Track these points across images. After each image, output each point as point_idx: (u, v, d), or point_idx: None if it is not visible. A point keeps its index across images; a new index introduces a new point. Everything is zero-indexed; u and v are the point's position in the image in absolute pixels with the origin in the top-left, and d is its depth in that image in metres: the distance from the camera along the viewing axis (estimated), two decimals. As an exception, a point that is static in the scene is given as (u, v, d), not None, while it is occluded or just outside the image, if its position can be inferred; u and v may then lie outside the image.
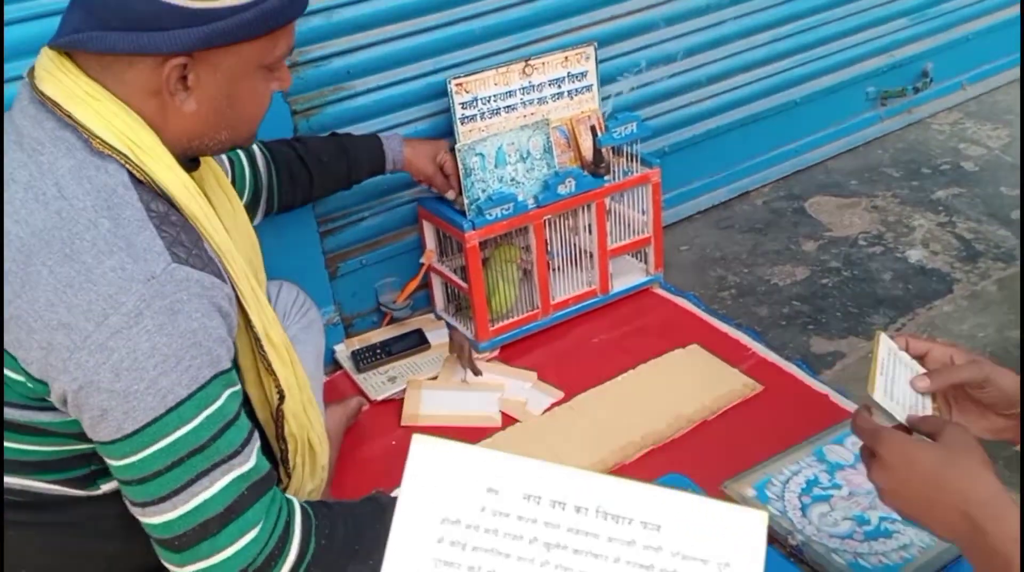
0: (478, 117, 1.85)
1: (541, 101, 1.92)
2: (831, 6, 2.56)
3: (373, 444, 1.72)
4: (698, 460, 1.59)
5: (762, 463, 1.56)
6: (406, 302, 2.02)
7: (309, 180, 1.59)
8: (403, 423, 1.75)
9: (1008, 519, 0.75)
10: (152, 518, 0.93)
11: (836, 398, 1.74)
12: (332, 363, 1.96)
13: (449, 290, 2.02)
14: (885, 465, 0.84)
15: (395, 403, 1.82)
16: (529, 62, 1.87)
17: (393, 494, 1.45)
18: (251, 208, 1.50)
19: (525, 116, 1.90)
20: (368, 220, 1.95)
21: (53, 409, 0.94)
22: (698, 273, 2.27)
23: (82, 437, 0.96)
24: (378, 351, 1.90)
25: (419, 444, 0.57)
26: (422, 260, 1.97)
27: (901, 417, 1.00)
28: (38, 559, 1.08)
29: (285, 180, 1.54)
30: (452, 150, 1.78)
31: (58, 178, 0.91)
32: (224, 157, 1.42)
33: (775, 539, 1.42)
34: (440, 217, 1.89)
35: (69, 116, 0.93)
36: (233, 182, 1.43)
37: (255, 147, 1.52)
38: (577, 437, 1.67)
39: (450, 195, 1.82)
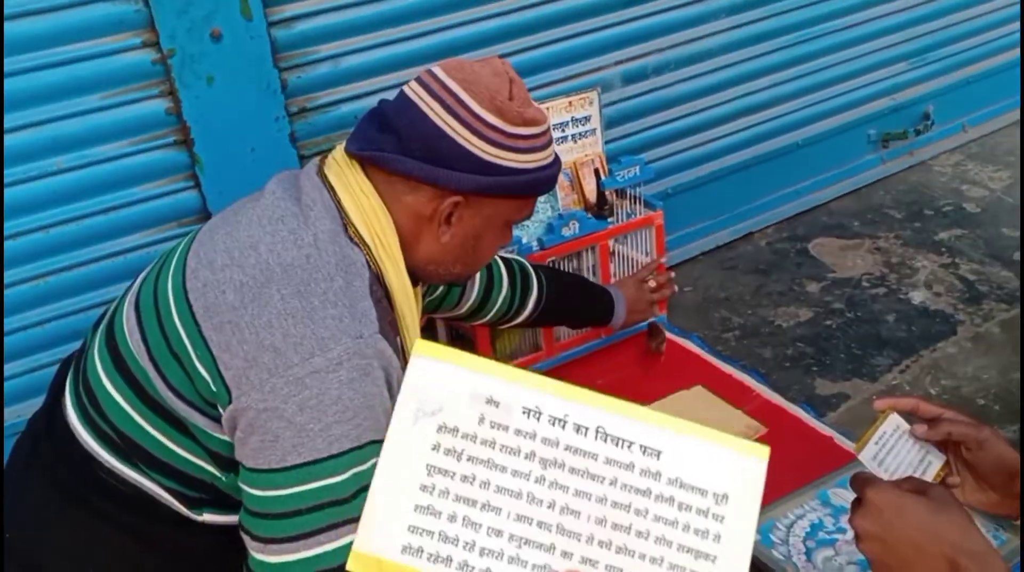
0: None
1: (545, 145, 1.94)
2: (832, 50, 2.60)
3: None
4: (702, 503, 1.58)
5: (766, 507, 1.55)
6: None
7: (553, 317, 1.73)
8: None
9: (995, 568, 0.77)
10: (270, 557, 0.96)
11: (840, 440, 1.73)
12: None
13: (453, 332, 2.03)
14: (873, 510, 0.85)
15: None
16: (534, 107, 1.90)
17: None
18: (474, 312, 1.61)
19: (530, 159, 1.92)
20: (374, 261, 1.97)
21: (214, 418, 1.01)
22: (702, 314, 2.28)
23: (215, 458, 1.03)
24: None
25: (422, 347, 0.57)
26: (427, 301, 1.99)
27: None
28: (102, 557, 1.10)
29: (542, 316, 1.67)
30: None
31: (317, 233, 1.04)
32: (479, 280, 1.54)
33: (780, 584, 1.41)
34: (445, 259, 1.90)
35: (339, 201, 1.07)
36: (486, 299, 1.56)
37: (534, 286, 1.64)
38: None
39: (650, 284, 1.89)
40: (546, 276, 1.67)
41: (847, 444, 1.72)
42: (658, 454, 0.53)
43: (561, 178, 1.97)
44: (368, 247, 1.06)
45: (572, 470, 0.52)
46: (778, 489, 1.60)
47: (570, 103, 1.95)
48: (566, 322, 1.79)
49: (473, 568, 0.49)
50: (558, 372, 2.00)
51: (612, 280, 2.01)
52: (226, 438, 1.01)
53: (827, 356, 2.07)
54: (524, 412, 0.54)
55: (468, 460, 0.53)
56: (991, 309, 2.19)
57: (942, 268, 2.39)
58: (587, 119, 1.98)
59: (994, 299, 2.23)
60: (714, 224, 2.55)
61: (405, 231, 1.09)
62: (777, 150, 2.57)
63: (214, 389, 0.99)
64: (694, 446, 0.53)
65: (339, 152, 1.12)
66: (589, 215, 1.96)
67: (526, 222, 1.88)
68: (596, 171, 2.00)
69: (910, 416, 1.12)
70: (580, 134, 1.98)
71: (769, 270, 2.45)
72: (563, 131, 1.96)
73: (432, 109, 1.05)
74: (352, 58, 1.78)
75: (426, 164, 1.05)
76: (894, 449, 1.10)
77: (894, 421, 1.11)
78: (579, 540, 0.49)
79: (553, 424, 0.53)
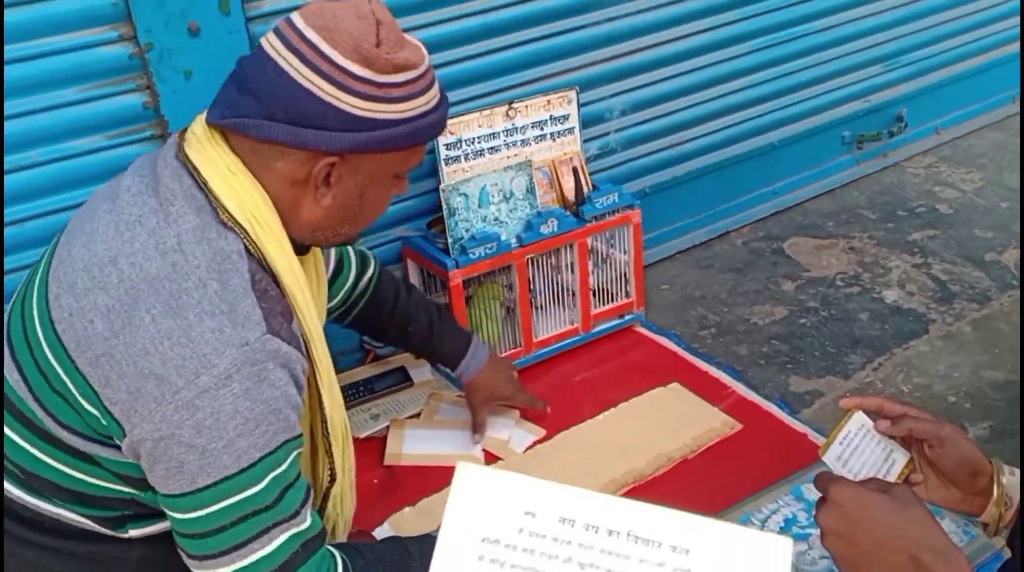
0: (462, 158, 1.88)
1: (524, 143, 1.95)
2: (807, 52, 2.62)
3: (356, 481, 1.71)
4: (678, 498, 1.59)
5: (741, 501, 1.57)
6: (389, 339, 2.03)
7: (382, 333, 1.65)
8: (386, 462, 1.75)
9: (958, 565, 0.78)
10: (207, 571, 0.95)
11: (814, 437, 1.76)
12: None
13: (432, 328, 2.04)
14: (837, 507, 0.86)
15: (378, 441, 1.82)
16: (512, 105, 1.91)
17: (376, 531, 1.46)
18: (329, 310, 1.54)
19: (508, 158, 1.93)
20: (352, 258, 1.96)
21: (116, 447, 0.96)
22: (679, 312, 2.30)
23: (128, 480, 0.99)
24: (361, 389, 1.91)
25: (463, 470, 0.60)
26: (406, 298, 1.99)
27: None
28: None
29: (364, 312, 1.59)
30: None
31: (181, 232, 0.95)
32: (334, 258, 1.48)
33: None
34: (424, 255, 1.91)
35: (205, 184, 0.98)
36: (332, 281, 1.48)
37: (371, 268, 1.57)
38: (559, 474, 1.68)
39: (476, 439, 1.75)
40: (400, 299, 1.62)
41: (821, 440, 1.73)
42: (687, 551, 0.55)
43: (539, 176, 1.98)
44: (245, 231, 0.98)
45: None
46: (753, 485, 1.62)
47: (548, 102, 1.96)
48: (409, 350, 1.72)
49: None
50: (538, 368, 2.01)
51: (590, 278, 2.03)
52: (135, 462, 0.97)
53: (802, 354, 2.10)
54: (560, 520, 0.58)
55: (512, 567, 0.56)
56: (962, 308, 2.22)
57: (915, 268, 2.43)
58: (566, 118, 1.99)
59: (965, 298, 2.27)
60: (691, 223, 2.57)
61: (282, 201, 1.01)
62: (753, 150, 2.60)
63: (104, 424, 0.95)
64: (720, 542, 0.56)
65: (199, 125, 1.02)
66: (568, 213, 1.97)
67: (505, 219, 1.89)
68: (575, 169, 2.01)
69: (874, 415, 1.13)
70: (558, 132, 1.99)
71: (745, 269, 2.47)
72: (542, 129, 1.97)
73: (292, 65, 0.95)
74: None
75: (292, 126, 0.95)
76: (859, 448, 1.11)
77: (859, 420, 1.12)
78: None
79: (587, 529, 0.57)
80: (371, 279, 1.58)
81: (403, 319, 1.62)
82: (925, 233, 2.60)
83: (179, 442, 0.90)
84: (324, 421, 1.11)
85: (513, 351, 1.98)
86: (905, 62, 2.90)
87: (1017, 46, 3.11)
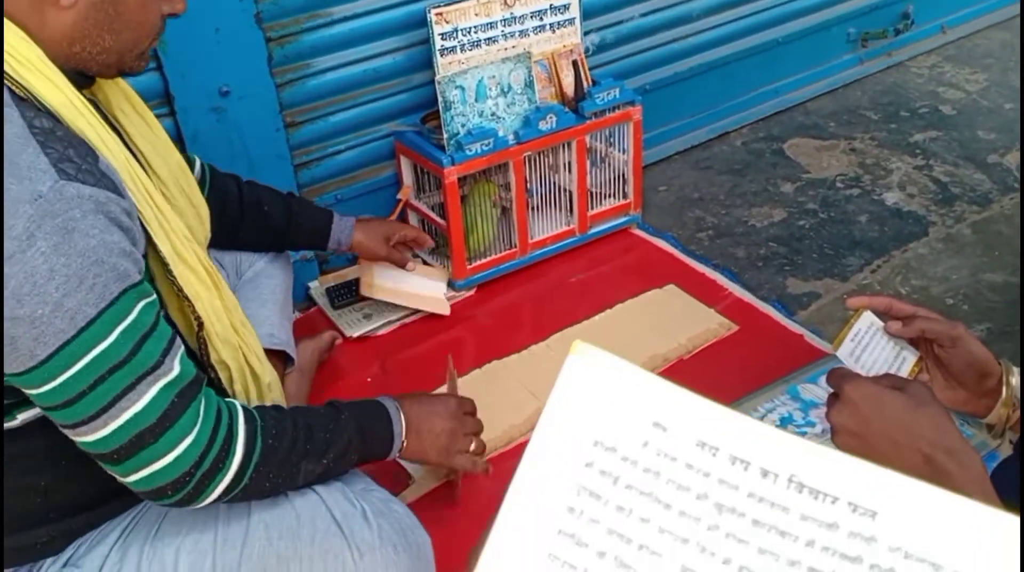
0: (458, 49, 1.80)
1: (523, 34, 1.87)
2: (816, -56, 2.52)
3: (348, 381, 1.71)
4: (674, 398, 1.60)
5: (737, 401, 1.57)
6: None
7: (238, 220, 1.47)
8: (361, 292, 1.80)
9: (971, 466, 0.77)
10: (86, 437, 0.91)
11: (811, 338, 1.76)
12: (306, 300, 1.94)
13: (426, 227, 2.00)
14: (851, 405, 0.84)
15: (371, 340, 1.80)
16: (510, -7, 1.83)
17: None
18: None
19: (506, 49, 1.86)
20: (344, 154, 1.91)
21: None
22: (676, 214, 2.26)
23: None
24: (353, 288, 1.88)
25: (580, 350, 0.47)
26: (399, 196, 1.94)
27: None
28: None
29: (213, 208, 1.36)
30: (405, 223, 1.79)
31: None
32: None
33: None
34: (418, 152, 1.85)
35: None
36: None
37: (197, 161, 1.42)
38: (555, 375, 1.67)
39: (409, 267, 1.76)
40: (243, 186, 1.48)
41: (817, 341, 1.74)
42: (873, 514, 0.41)
43: (538, 70, 1.91)
44: (2, 71, 0.87)
45: (755, 522, 0.41)
46: (748, 385, 1.62)
47: (549, -10, 1.87)
48: (274, 241, 1.55)
49: None
50: (533, 270, 1.99)
51: (588, 178, 1.98)
52: None
53: (799, 256, 2.07)
54: (699, 445, 0.43)
55: (626, 488, 0.43)
56: (963, 211, 2.20)
57: (916, 170, 2.39)
58: (566, 7, 1.91)
59: (966, 201, 2.24)
60: (690, 123, 2.51)
61: (25, 20, 0.90)
62: (756, 46, 2.52)
63: None
64: (923, 510, 0.41)
65: None
66: (567, 109, 1.91)
67: (502, 114, 1.83)
68: (574, 63, 1.94)
69: (883, 315, 1.12)
70: (558, 23, 1.91)
71: (744, 170, 2.43)
72: (541, 20, 1.89)
73: None
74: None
75: None
76: (869, 346, 1.10)
77: (868, 319, 1.11)
78: None
79: (733, 463, 0.42)
80: (203, 173, 1.43)
81: (254, 202, 1.48)
82: (927, 134, 2.55)
83: (2, 318, 0.83)
84: (164, 262, 1.03)
85: (508, 252, 1.95)
86: (914, -44, 2.80)
87: (1031, -60, 2.99)
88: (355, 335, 1.80)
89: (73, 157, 0.89)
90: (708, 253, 2.09)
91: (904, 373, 1.08)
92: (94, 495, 1.04)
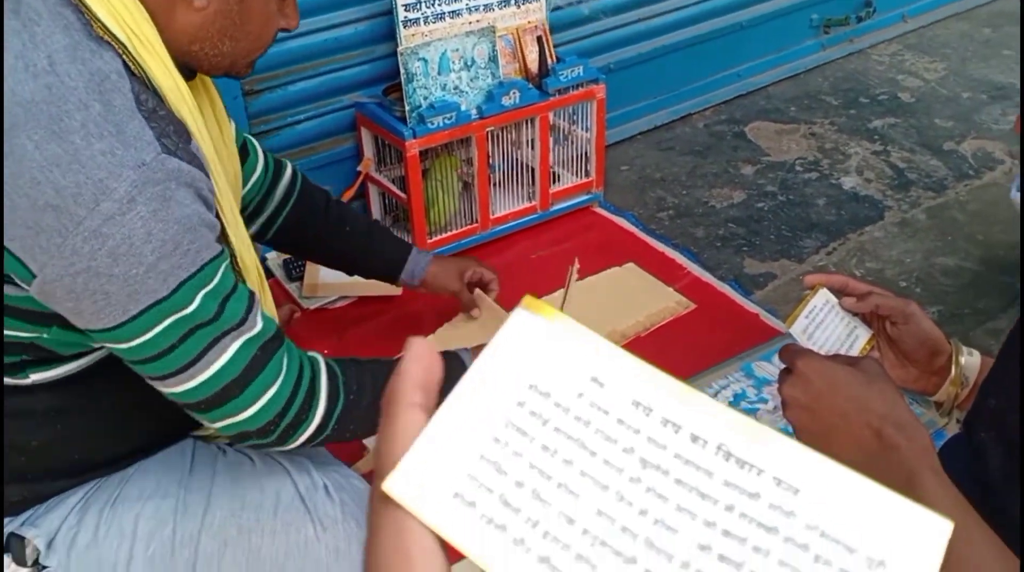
0: (421, 21, 1.79)
1: (487, 8, 1.86)
2: (782, -73, 2.53)
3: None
4: (631, 374, 1.61)
5: (692, 377, 1.59)
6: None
7: (318, 234, 1.46)
8: (304, 293, 1.77)
9: (919, 438, 0.78)
10: (174, 388, 0.95)
11: (766, 317, 1.78)
12: (263, 271, 1.92)
13: (387, 200, 1.99)
14: (803, 379, 0.85)
15: (327, 312, 1.79)
16: (475, -34, 1.81)
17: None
18: (247, 218, 1.39)
19: (471, 23, 1.84)
20: (304, 124, 1.89)
21: (15, 285, 0.91)
22: (637, 193, 2.27)
23: (29, 316, 0.93)
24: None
25: (529, 304, 0.46)
26: (359, 168, 1.93)
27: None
28: None
29: (294, 215, 1.41)
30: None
31: (51, 52, 0.87)
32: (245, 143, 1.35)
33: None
34: (380, 124, 1.84)
35: None
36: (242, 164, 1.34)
37: (288, 169, 1.41)
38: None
39: (474, 314, 1.69)
40: (331, 201, 1.47)
41: (772, 321, 1.77)
42: (796, 491, 0.41)
43: (502, 45, 1.90)
44: (122, 44, 0.91)
45: (678, 481, 0.42)
46: (704, 361, 1.64)
47: (514, -36, 1.86)
48: (348, 263, 1.54)
49: (530, 550, 0.40)
50: (493, 245, 1.98)
51: (551, 156, 1.98)
52: (44, 302, 0.91)
53: (757, 237, 2.09)
54: (634, 404, 0.43)
55: (555, 430, 0.43)
56: (919, 196, 2.23)
57: (874, 155, 2.42)
58: (531, -18, 1.90)
59: (922, 187, 2.27)
60: (653, 103, 2.52)
61: (157, 9, 0.95)
62: (720, 29, 2.53)
63: (6, 265, 0.88)
64: (849, 497, 0.41)
65: None
66: (530, 86, 1.90)
67: (465, 88, 1.82)
68: (539, 39, 1.93)
69: (839, 293, 1.13)
70: (523, -2, 1.90)
71: (705, 152, 2.44)
72: (506, -7, 1.88)
73: None
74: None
75: None
76: (823, 323, 1.12)
77: (824, 296, 1.12)
78: (670, 561, 0.40)
79: (665, 425, 0.43)
80: (293, 180, 1.43)
81: (338, 220, 1.48)
82: (886, 120, 2.58)
83: (98, 274, 0.86)
84: (232, 255, 1.05)
85: (469, 227, 1.95)
86: (877, -56, 2.83)
87: (992, -68, 3.03)
88: (312, 308, 1.79)
89: (172, 134, 0.92)
90: (668, 232, 2.11)
91: (856, 351, 1.10)
92: (78, 462, 1.05)
